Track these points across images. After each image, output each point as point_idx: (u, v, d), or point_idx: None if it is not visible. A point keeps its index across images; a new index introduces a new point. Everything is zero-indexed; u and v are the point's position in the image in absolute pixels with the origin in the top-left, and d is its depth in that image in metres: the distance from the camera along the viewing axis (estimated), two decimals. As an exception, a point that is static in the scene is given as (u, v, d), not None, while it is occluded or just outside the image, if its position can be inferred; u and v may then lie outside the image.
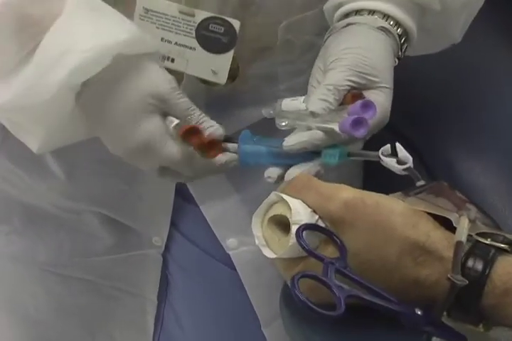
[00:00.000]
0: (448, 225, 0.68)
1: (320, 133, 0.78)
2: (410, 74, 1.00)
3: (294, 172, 0.79)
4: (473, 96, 1.04)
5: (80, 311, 1.13)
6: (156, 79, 0.79)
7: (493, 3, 0.97)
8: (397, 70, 0.86)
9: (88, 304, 1.13)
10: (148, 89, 0.78)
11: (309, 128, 0.79)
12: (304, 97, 0.83)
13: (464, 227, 0.67)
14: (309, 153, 0.79)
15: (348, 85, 0.79)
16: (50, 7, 0.77)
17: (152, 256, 1.08)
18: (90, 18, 0.78)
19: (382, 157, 0.75)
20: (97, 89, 0.78)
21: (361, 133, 0.76)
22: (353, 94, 0.80)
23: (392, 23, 0.86)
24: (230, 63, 0.87)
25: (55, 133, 0.82)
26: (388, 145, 0.75)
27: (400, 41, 0.87)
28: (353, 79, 0.80)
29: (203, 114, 0.81)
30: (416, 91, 0.95)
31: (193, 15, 0.86)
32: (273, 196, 0.73)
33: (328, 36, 0.88)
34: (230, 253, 1.04)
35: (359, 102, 0.77)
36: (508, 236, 0.67)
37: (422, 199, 0.72)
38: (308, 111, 0.78)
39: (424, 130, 1.04)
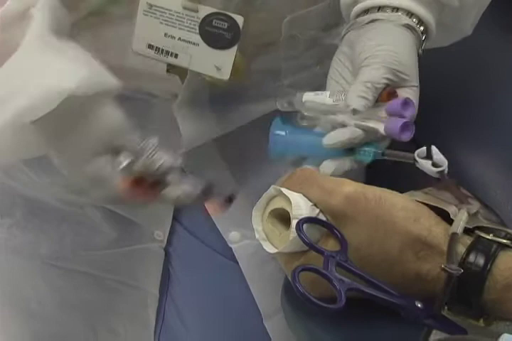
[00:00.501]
0: (451, 220, 0.68)
1: (359, 132, 0.78)
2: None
3: (328, 165, 0.79)
4: (476, 91, 1.04)
5: (82, 304, 1.14)
6: (106, 121, 0.78)
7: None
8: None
9: (90, 297, 1.13)
10: (98, 132, 0.77)
11: (343, 124, 0.80)
12: (328, 92, 0.83)
13: (460, 220, 0.68)
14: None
15: (384, 83, 0.79)
16: (10, 37, 0.77)
17: (154, 250, 1.08)
18: (44, 60, 0.76)
19: (418, 159, 0.75)
20: (47, 126, 0.77)
21: (407, 136, 0.76)
22: (389, 91, 0.80)
23: (415, 20, 0.86)
24: (233, 59, 0.87)
25: (6, 156, 0.83)
26: (424, 148, 0.75)
27: (422, 38, 0.87)
28: (389, 76, 0.80)
29: (154, 151, 0.79)
30: (421, 88, 0.95)
31: (196, 11, 0.86)
32: (273, 190, 0.73)
33: (348, 31, 0.87)
34: (232, 246, 1.05)
35: (399, 100, 0.77)
36: (510, 231, 0.68)
37: (424, 192, 0.73)
38: (347, 108, 0.78)
39: (426, 125, 1.03)
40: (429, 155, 0.75)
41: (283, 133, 0.82)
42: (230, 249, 1.05)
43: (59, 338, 1.17)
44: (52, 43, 0.78)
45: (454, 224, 0.67)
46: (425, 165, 0.74)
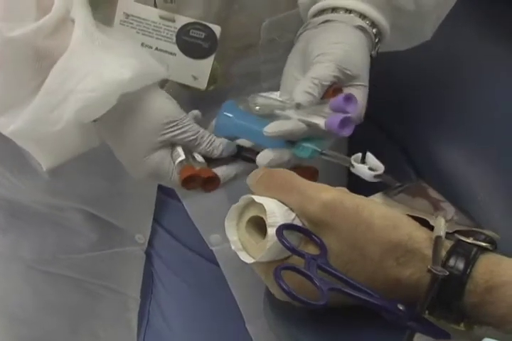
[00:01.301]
0: (429, 226, 0.69)
1: (302, 125, 0.79)
2: (391, 68, 1.00)
3: (266, 155, 0.80)
4: (457, 89, 1.04)
5: (64, 308, 1.14)
6: (163, 110, 0.81)
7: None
8: (384, 64, 0.87)
9: (71, 301, 1.13)
10: (156, 121, 0.80)
11: (289, 119, 0.80)
12: (279, 92, 0.84)
13: (441, 224, 0.68)
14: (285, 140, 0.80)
15: (332, 81, 0.80)
16: (61, 41, 0.79)
17: (135, 254, 1.08)
18: (95, 55, 0.79)
19: (354, 163, 0.76)
20: (108, 124, 0.81)
21: (347, 132, 0.77)
22: (334, 88, 0.81)
23: (368, 22, 0.86)
24: (210, 68, 0.88)
25: (67, 153, 0.85)
26: (360, 154, 0.76)
27: (375, 40, 0.87)
28: (337, 74, 0.80)
29: (211, 136, 0.83)
30: (397, 84, 0.96)
31: (173, 21, 0.87)
32: (243, 201, 0.72)
33: (303, 31, 0.88)
34: (213, 249, 1.05)
35: (341, 95, 0.78)
36: (489, 234, 0.68)
37: (399, 202, 0.73)
38: (292, 102, 0.79)
39: (406, 123, 1.04)
40: (363, 162, 0.76)
41: (230, 115, 0.83)
42: (212, 251, 1.05)
43: (41, 341, 1.17)
44: (100, 38, 0.80)
45: (435, 228, 0.67)
46: (361, 169, 0.75)
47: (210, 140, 0.82)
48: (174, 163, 0.81)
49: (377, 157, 0.77)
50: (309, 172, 0.82)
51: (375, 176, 0.75)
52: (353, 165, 0.76)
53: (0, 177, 1.07)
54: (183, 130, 0.81)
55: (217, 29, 0.86)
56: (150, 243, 1.07)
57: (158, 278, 1.09)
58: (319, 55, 0.81)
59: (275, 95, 0.83)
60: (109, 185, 1.04)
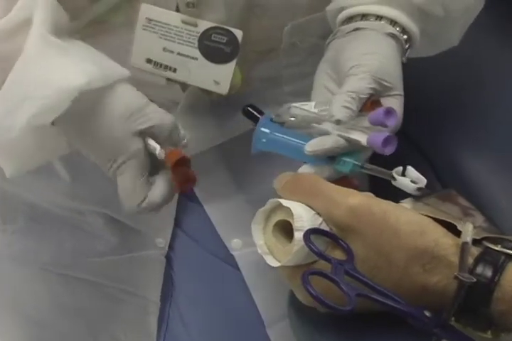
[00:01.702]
0: (456, 232, 0.68)
1: (342, 142, 0.78)
2: (416, 75, 1.00)
3: (307, 171, 0.79)
4: (480, 96, 1.04)
5: (82, 312, 1.13)
6: (126, 100, 0.79)
7: (496, 2, 0.98)
8: (404, 72, 0.86)
9: (90, 305, 1.13)
10: (120, 112, 0.79)
11: (327, 133, 0.80)
12: (314, 103, 0.83)
13: (468, 230, 0.68)
14: None
15: (369, 93, 0.80)
16: (19, 44, 0.78)
17: (155, 258, 1.08)
18: (49, 61, 0.77)
19: (396, 176, 0.75)
20: (72, 127, 0.79)
21: (390, 150, 0.76)
22: (372, 100, 0.80)
23: (398, 29, 0.86)
24: (232, 73, 0.87)
25: (27, 160, 0.84)
26: (401, 167, 0.76)
27: (405, 47, 0.87)
28: (374, 86, 0.80)
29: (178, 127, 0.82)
30: (420, 92, 0.95)
31: (195, 26, 0.87)
32: (271, 203, 0.72)
33: (333, 39, 0.88)
34: (234, 253, 1.04)
35: (381, 109, 0.77)
36: (518, 242, 0.68)
37: (429, 205, 0.73)
38: (331, 118, 0.78)
39: (430, 131, 1.04)
40: (403, 175, 0.75)
41: (267, 130, 0.82)
42: (233, 255, 1.05)
43: (59, 345, 1.17)
44: (55, 43, 0.78)
45: (463, 234, 0.67)
46: (404, 182, 0.75)
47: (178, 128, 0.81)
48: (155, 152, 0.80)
49: (399, 165, 0.77)
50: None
51: (418, 189, 0.74)
52: (394, 179, 0.75)
53: (22, 180, 1.07)
54: (147, 118, 0.79)
55: (239, 33, 0.86)
56: (170, 246, 1.07)
57: (178, 282, 1.08)
58: (354, 67, 0.81)
59: (309, 106, 0.82)
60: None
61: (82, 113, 0.78)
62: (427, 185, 0.76)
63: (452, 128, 1.02)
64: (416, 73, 0.93)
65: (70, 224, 1.09)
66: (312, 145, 0.78)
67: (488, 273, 0.64)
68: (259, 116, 0.83)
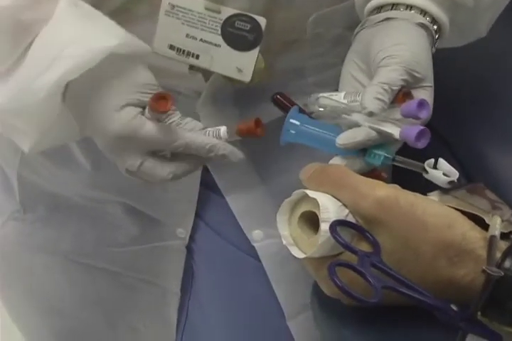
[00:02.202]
0: (483, 226, 0.68)
1: (374, 134, 0.77)
2: (443, 67, 0.99)
3: (338, 162, 0.79)
4: (508, 89, 1.03)
5: (102, 301, 1.14)
6: (141, 74, 0.81)
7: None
8: (436, 68, 0.85)
9: (110, 294, 1.13)
10: (132, 81, 0.80)
11: (357, 124, 0.79)
12: (343, 93, 0.82)
13: (496, 223, 0.67)
14: None
15: (401, 85, 0.79)
16: (42, 13, 0.78)
17: (176, 248, 1.08)
18: (80, 23, 0.78)
19: (428, 169, 0.75)
20: (79, 88, 0.80)
21: (423, 144, 0.75)
22: (404, 92, 0.79)
23: (429, 19, 0.85)
24: (255, 61, 0.86)
25: (47, 134, 0.83)
26: (432, 160, 0.75)
27: (435, 37, 0.86)
28: (406, 78, 0.79)
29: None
30: (446, 84, 0.94)
31: (219, 12, 0.86)
32: (297, 194, 0.72)
33: (361, 29, 0.87)
34: (256, 245, 1.04)
35: (415, 101, 0.76)
36: (546, 236, 0.67)
37: (456, 197, 0.72)
38: (363, 110, 0.77)
39: (456, 124, 1.03)
40: (434, 167, 0.75)
41: (297, 122, 0.81)
42: (254, 247, 1.04)
43: (78, 334, 1.17)
44: (86, 8, 0.80)
45: (490, 228, 0.66)
46: (436, 174, 0.74)
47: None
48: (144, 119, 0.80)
49: (424, 158, 0.76)
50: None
51: (449, 182, 0.74)
52: (426, 171, 0.75)
53: (44, 169, 1.07)
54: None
55: (262, 21, 0.85)
56: (191, 237, 1.07)
57: (198, 273, 1.08)
58: (385, 58, 0.80)
59: (338, 96, 0.82)
60: (150, 179, 1.04)
61: (90, 81, 0.79)
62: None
63: (479, 122, 1.01)
64: (443, 65, 0.92)
65: (91, 213, 1.10)
66: (343, 139, 0.77)
67: (517, 267, 0.63)
68: (288, 104, 0.83)
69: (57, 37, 0.78)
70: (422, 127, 0.75)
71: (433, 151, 0.77)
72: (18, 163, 1.09)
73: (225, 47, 0.87)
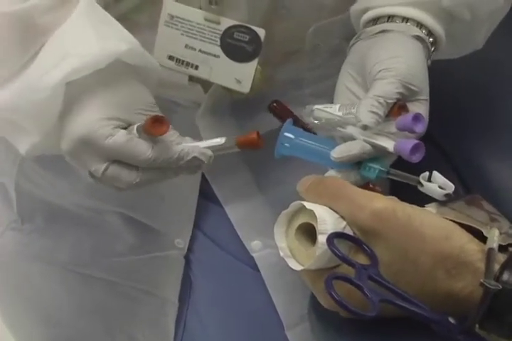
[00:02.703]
0: (481, 238, 0.68)
1: (368, 147, 0.77)
2: (440, 77, 0.99)
3: (332, 176, 0.79)
4: (506, 99, 1.03)
5: (101, 311, 1.13)
6: (135, 93, 0.80)
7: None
8: (429, 74, 0.85)
9: (108, 304, 1.13)
10: (118, 100, 0.78)
11: (352, 138, 0.79)
12: (338, 105, 0.82)
13: (494, 236, 0.67)
14: None
15: (396, 98, 0.79)
16: (57, 17, 0.78)
17: (174, 258, 1.08)
18: (93, 27, 0.78)
19: (423, 182, 0.74)
20: (71, 88, 0.78)
21: (418, 158, 0.75)
22: (399, 105, 0.79)
23: (425, 31, 0.85)
24: (254, 72, 0.87)
25: (46, 138, 0.83)
26: (427, 173, 0.75)
27: (431, 49, 0.86)
28: (402, 91, 0.79)
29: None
30: (445, 95, 0.94)
31: (218, 23, 0.86)
32: (294, 206, 0.72)
33: (357, 41, 0.87)
34: (254, 255, 1.04)
35: (410, 115, 0.76)
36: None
37: (454, 209, 0.72)
38: (358, 124, 0.78)
39: (454, 134, 1.03)
40: (429, 180, 0.75)
41: (292, 136, 0.81)
42: (252, 257, 1.04)
43: (77, 344, 1.17)
44: (102, 12, 0.80)
45: (488, 240, 0.66)
46: (432, 187, 0.74)
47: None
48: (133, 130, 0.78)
49: (422, 169, 0.76)
50: None
51: (445, 195, 0.74)
52: (421, 184, 0.75)
53: (42, 180, 1.07)
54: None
55: (261, 32, 0.85)
56: (189, 248, 1.07)
57: (196, 283, 1.08)
58: (381, 71, 0.80)
59: (333, 109, 0.82)
60: (149, 189, 1.03)
61: (88, 85, 0.78)
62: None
63: (476, 131, 1.01)
64: (441, 75, 0.92)
65: (89, 223, 1.09)
66: (338, 152, 0.77)
67: (515, 280, 0.63)
68: (284, 112, 0.83)
69: (69, 36, 0.78)
70: (416, 141, 0.75)
71: (430, 161, 0.77)
72: (16, 173, 1.09)
73: (224, 58, 0.87)
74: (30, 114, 0.80)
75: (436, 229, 0.67)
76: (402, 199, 0.72)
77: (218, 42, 0.87)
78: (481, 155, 0.99)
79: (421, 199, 0.74)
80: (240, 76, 0.88)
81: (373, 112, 0.77)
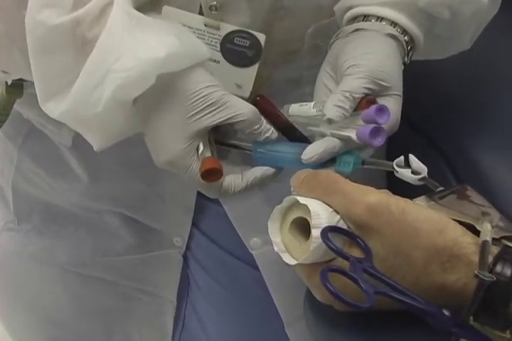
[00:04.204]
0: (473, 231, 0.68)
1: (336, 141, 0.78)
2: (432, 74, 1.00)
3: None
4: (499, 94, 1.03)
5: (99, 310, 1.14)
6: (204, 91, 0.78)
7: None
8: (421, 69, 0.86)
9: (107, 304, 1.13)
10: (194, 105, 0.77)
11: (323, 135, 0.80)
12: (313, 103, 0.83)
13: (487, 229, 0.67)
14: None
15: (363, 93, 0.80)
16: (101, 27, 0.77)
17: (173, 257, 1.08)
18: (131, 34, 0.77)
19: (396, 168, 0.75)
20: (146, 104, 0.78)
21: (379, 141, 0.76)
22: (368, 99, 0.80)
23: (399, 30, 0.87)
24: (254, 77, 0.87)
25: (113, 134, 0.83)
26: (402, 157, 0.76)
27: (407, 48, 0.87)
28: (370, 86, 0.80)
29: (262, 119, 0.80)
30: (438, 90, 0.95)
31: (218, 29, 0.86)
32: (288, 201, 0.72)
33: (336, 40, 0.88)
34: (254, 252, 1.04)
35: (373, 107, 0.77)
36: (537, 240, 0.67)
37: (444, 206, 0.72)
38: (323, 118, 0.79)
39: (447, 128, 1.03)
40: (407, 164, 0.75)
41: (263, 150, 0.82)
42: (251, 254, 1.05)
43: (76, 344, 1.17)
44: (137, 16, 0.78)
45: (481, 233, 0.67)
46: (405, 173, 0.75)
47: (260, 121, 0.80)
48: (197, 157, 0.79)
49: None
50: None
51: (420, 179, 0.74)
52: (396, 170, 0.75)
53: (39, 180, 1.07)
54: (226, 106, 0.78)
55: (261, 37, 0.86)
56: (187, 246, 1.07)
57: (194, 282, 1.09)
58: (351, 67, 0.81)
59: (308, 106, 0.83)
60: (147, 189, 1.04)
61: (158, 94, 0.77)
62: (443, 184, 0.76)
63: (470, 126, 1.02)
64: (434, 71, 0.93)
65: (88, 223, 1.10)
66: (308, 154, 0.78)
67: (508, 271, 0.63)
68: (267, 108, 0.83)
69: (109, 49, 0.76)
70: (374, 125, 0.76)
71: (424, 157, 0.78)
72: (13, 173, 1.10)
73: (224, 63, 0.88)
74: (87, 125, 0.81)
75: (429, 223, 0.67)
76: (399, 193, 0.72)
77: (218, 48, 0.87)
78: (476, 151, 1.00)
79: (418, 192, 0.75)
80: (241, 81, 0.88)
81: (339, 106, 0.78)
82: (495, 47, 1.04)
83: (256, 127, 0.79)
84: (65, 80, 0.78)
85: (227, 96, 0.78)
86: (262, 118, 0.80)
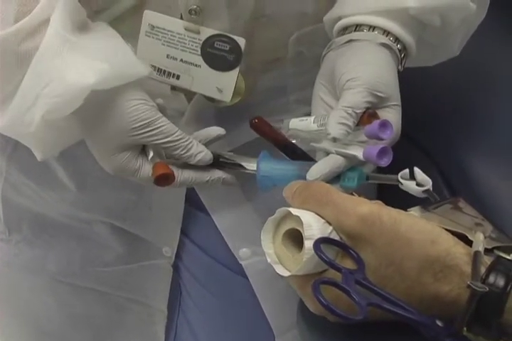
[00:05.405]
0: (466, 241, 0.68)
1: (340, 160, 0.79)
2: (425, 81, 1.00)
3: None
4: (490, 102, 1.04)
5: (90, 321, 1.13)
6: (134, 112, 0.80)
7: (502, 6, 0.97)
8: (411, 78, 0.86)
9: (98, 314, 1.13)
10: (124, 125, 0.79)
11: (326, 151, 0.80)
12: (313, 117, 0.83)
13: (479, 240, 0.67)
14: None
15: (365, 107, 0.80)
16: (36, 42, 0.78)
17: (162, 267, 1.08)
18: (62, 58, 0.77)
19: (401, 180, 0.75)
20: (81, 119, 0.81)
21: (386, 162, 0.77)
22: (369, 114, 0.80)
23: (392, 39, 0.86)
24: (235, 81, 0.87)
25: (53, 146, 0.85)
26: (407, 170, 0.76)
27: (400, 56, 0.87)
28: (370, 99, 0.80)
29: (190, 139, 0.83)
30: (430, 100, 0.95)
31: (198, 33, 0.87)
32: (281, 212, 0.72)
33: (328, 51, 0.88)
34: (243, 263, 1.04)
35: (376, 122, 0.77)
36: (529, 251, 0.67)
37: (437, 214, 0.72)
38: (328, 136, 0.79)
39: (439, 137, 1.03)
40: (412, 177, 0.75)
41: (268, 174, 0.83)
42: (241, 264, 1.04)
43: (67, 354, 1.17)
44: (69, 40, 0.78)
45: (474, 243, 0.66)
46: (410, 185, 0.76)
47: (187, 146, 0.82)
48: (143, 161, 0.82)
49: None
50: None
51: (423, 191, 0.74)
52: (401, 183, 0.75)
53: (27, 190, 1.07)
54: (154, 133, 0.80)
55: (241, 41, 0.86)
56: (178, 256, 1.07)
57: (186, 291, 1.08)
58: (349, 81, 0.81)
59: (308, 121, 0.83)
60: (136, 198, 1.04)
61: (92, 110, 0.79)
62: (436, 192, 0.76)
63: (462, 135, 1.02)
64: (425, 79, 0.93)
65: (77, 233, 1.09)
66: (313, 174, 0.79)
67: (501, 282, 0.63)
68: (265, 129, 0.84)
69: (39, 73, 0.78)
70: (381, 146, 0.76)
71: (416, 164, 0.78)
72: (2, 184, 1.09)
73: (205, 67, 0.88)
74: (26, 140, 0.83)
75: (422, 234, 0.67)
76: (390, 203, 0.72)
77: (199, 52, 0.88)
78: (466, 157, 1.00)
79: (409, 202, 0.75)
80: (222, 85, 0.88)
81: (342, 123, 0.79)
82: (485, 54, 1.05)
83: (183, 152, 0.82)
84: (6, 90, 0.80)
85: (154, 117, 0.80)
86: (193, 140, 0.83)
